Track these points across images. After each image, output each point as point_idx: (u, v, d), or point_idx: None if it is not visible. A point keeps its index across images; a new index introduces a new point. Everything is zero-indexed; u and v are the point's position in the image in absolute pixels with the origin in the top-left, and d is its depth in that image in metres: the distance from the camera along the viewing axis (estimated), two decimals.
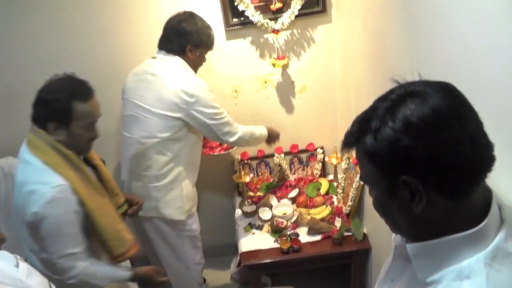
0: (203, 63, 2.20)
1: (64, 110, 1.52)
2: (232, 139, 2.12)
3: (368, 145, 0.81)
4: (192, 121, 2.05)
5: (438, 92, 0.78)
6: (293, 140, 2.78)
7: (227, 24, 2.44)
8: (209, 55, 2.28)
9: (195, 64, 2.15)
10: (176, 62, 2.07)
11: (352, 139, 0.85)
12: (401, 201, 0.82)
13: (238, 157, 2.77)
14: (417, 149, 0.76)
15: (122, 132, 2.18)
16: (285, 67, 2.58)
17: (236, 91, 2.66)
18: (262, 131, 2.32)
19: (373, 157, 0.82)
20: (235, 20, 2.43)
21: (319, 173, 2.82)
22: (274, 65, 2.48)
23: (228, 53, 2.53)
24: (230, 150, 2.57)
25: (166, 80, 2.03)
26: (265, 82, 2.63)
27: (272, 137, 2.41)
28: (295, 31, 2.52)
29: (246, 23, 2.43)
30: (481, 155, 0.77)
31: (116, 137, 2.62)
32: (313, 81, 2.65)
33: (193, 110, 2.01)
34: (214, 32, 2.24)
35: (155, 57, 2.12)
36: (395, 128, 0.78)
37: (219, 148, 2.55)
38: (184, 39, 2.05)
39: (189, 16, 2.08)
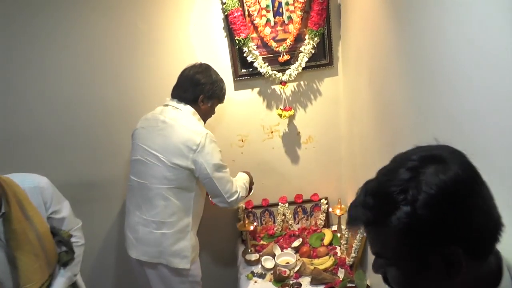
0: (212, 115, 2.21)
1: None
2: (231, 199, 2.08)
3: (402, 221, 0.73)
4: (197, 172, 2.02)
5: (453, 155, 0.76)
6: (298, 190, 2.76)
7: (236, 74, 2.46)
8: (218, 107, 2.28)
9: (205, 115, 2.15)
10: (187, 111, 2.07)
11: (374, 217, 0.76)
12: (433, 273, 0.76)
13: (243, 205, 2.74)
14: (455, 216, 0.71)
15: (130, 177, 2.15)
16: (291, 118, 2.59)
17: (242, 140, 2.65)
18: (245, 179, 2.28)
19: (408, 233, 0.73)
20: (243, 70, 2.45)
21: (323, 223, 2.79)
22: (280, 115, 2.49)
23: (236, 102, 2.54)
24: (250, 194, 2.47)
25: (176, 128, 2.02)
26: (272, 132, 2.64)
27: (251, 180, 2.39)
28: (302, 82, 2.54)
29: (254, 74, 2.46)
30: (497, 212, 0.77)
31: (122, 181, 2.60)
32: (319, 132, 2.65)
33: (198, 159, 1.99)
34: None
35: (167, 105, 2.12)
36: (433, 195, 0.72)
37: None
38: (198, 89, 2.07)
39: (205, 69, 2.11)
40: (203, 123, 2.14)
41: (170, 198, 2.04)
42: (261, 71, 2.40)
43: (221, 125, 2.56)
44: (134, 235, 2.12)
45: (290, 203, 2.77)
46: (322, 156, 2.71)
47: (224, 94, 2.19)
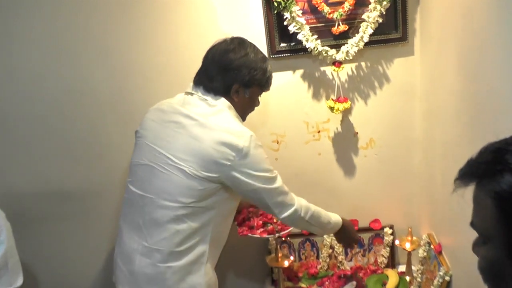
0: (255, 108, 2.21)
1: None
2: (284, 214, 2.09)
3: (505, 184, 0.86)
4: (234, 185, 2.02)
5: None
6: (352, 214, 2.73)
7: (272, 50, 2.46)
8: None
9: (244, 109, 2.15)
10: (221, 105, 2.06)
11: (481, 171, 0.90)
12: None
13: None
14: None
15: (128, 187, 2.14)
16: (346, 112, 2.59)
17: (278, 142, 2.67)
18: (334, 218, 2.29)
19: (507, 202, 0.86)
20: (282, 45, 2.46)
21: (385, 261, 2.79)
22: (332, 109, 2.47)
23: (271, 89, 2.40)
24: (278, 235, 2.46)
25: (208, 127, 2.01)
26: (318, 131, 2.66)
27: (348, 234, 2.37)
28: (363, 63, 2.53)
29: (298, 50, 2.45)
30: None
31: (111, 192, 2.66)
32: (384, 134, 2.65)
33: (238, 172, 1.99)
34: None
35: (191, 93, 2.10)
36: None
37: (261, 230, 2.49)
38: (230, 76, 2.06)
39: (238, 45, 2.08)
40: (241, 120, 2.14)
41: (185, 220, 2.03)
42: (307, 46, 2.39)
43: (248, 119, 2.41)
44: (128, 267, 2.11)
45: None
46: (387, 167, 2.71)
47: (268, 79, 2.16)
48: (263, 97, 2.46)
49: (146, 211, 2.05)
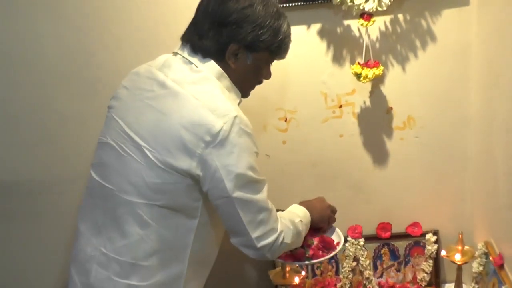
0: (262, 81, 2.14)
1: None
2: (263, 242, 1.97)
3: None
4: (206, 183, 1.92)
5: None
6: (383, 215, 2.76)
7: None
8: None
9: (243, 79, 2.05)
10: (209, 70, 1.98)
11: None
12: None
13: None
14: None
15: (90, 173, 2.10)
16: (377, 81, 2.57)
17: (286, 120, 2.65)
18: (302, 216, 2.20)
19: None
20: None
21: (427, 278, 2.78)
22: (358, 76, 2.43)
23: None
24: (309, 263, 2.32)
25: (181, 98, 1.92)
26: (340, 106, 2.63)
27: (318, 218, 2.28)
28: (400, 16, 2.49)
29: None
30: None
31: (74, 186, 2.67)
32: (427, 110, 2.63)
33: (210, 160, 1.87)
34: None
35: (176, 53, 2.05)
36: None
37: (288, 252, 2.28)
38: (226, 32, 1.96)
39: None
40: (235, 96, 2.04)
41: (152, 224, 1.95)
42: None
43: None
44: (82, 279, 2.06)
45: (368, 239, 2.77)
46: (430, 154, 2.69)
47: (282, 42, 2.04)
48: None
49: (108, 206, 2.01)
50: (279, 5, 2.02)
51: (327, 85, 2.59)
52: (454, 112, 2.63)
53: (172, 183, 1.92)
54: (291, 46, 2.28)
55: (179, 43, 2.05)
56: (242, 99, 2.08)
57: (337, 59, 2.56)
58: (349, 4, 2.34)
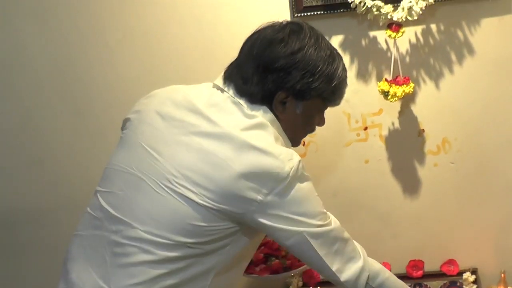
0: (312, 130, 2.09)
1: None
2: (347, 274, 1.93)
3: None
4: (265, 232, 1.94)
5: None
6: (415, 252, 2.66)
7: (298, 6, 2.40)
8: None
9: (292, 129, 1.98)
10: (262, 117, 1.93)
11: None
12: None
13: (298, 280, 2.66)
14: None
15: (98, 199, 2.02)
16: (408, 100, 2.52)
17: (304, 143, 2.56)
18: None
19: None
20: None
21: None
22: (386, 94, 2.37)
23: None
24: (287, 274, 2.37)
25: (237, 145, 1.85)
26: (365, 128, 2.57)
27: None
28: (433, 27, 2.45)
29: (336, 6, 2.40)
30: None
31: (60, 217, 2.64)
32: (464, 132, 2.55)
33: (271, 208, 1.83)
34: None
35: (222, 90, 1.99)
36: None
37: (262, 266, 2.36)
38: (272, 80, 1.88)
39: (292, 33, 1.93)
40: (284, 143, 1.99)
41: (171, 268, 1.90)
42: (349, 0, 2.31)
43: None
44: None
45: (399, 277, 2.50)
46: (468, 182, 2.60)
47: (336, 89, 1.98)
48: None
49: (116, 241, 1.92)
50: (333, 47, 1.98)
51: (350, 104, 2.52)
52: (495, 134, 2.54)
53: (213, 227, 1.87)
54: None
55: (218, 74, 2.00)
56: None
57: (362, 74, 2.50)
58: (376, 13, 2.30)
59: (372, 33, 2.43)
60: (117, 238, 1.91)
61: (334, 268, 1.87)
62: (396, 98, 2.33)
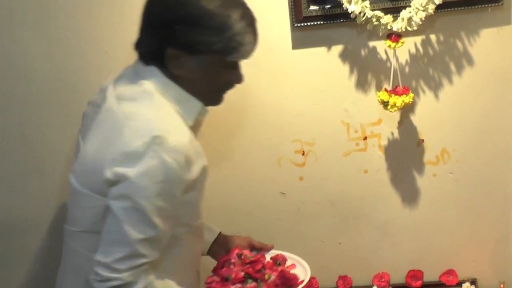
0: (232, 85, 1.98)
1: None
2: (102, 272, 1.82)
3: None
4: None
5: None
6: (414, 262, 2.67)
7: (297, 16, 2.39)
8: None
9: (197, 88, 1.93)
10: (150, 83, 1.90)
11: None
12: None
13: None
14: None
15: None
16: (407, 110, 2.52)
17: (303, 153, 2.58)
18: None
19: None
20: (313, 8, 2.39)
21: None
22: (385, 104, 2.37)
23: (294, 73, 2.49)
24: None
25: (115, 117, 1.90)
26: (364, 138, 2.57)
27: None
28: (432, 37, 2.46)
29: (335, 16, 2.38)
30: None
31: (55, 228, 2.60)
32: (464, 142, 2.57)
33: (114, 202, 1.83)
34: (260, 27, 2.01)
35: (133, 66, 2.01)
36: None
37: (238, 286, 2.25)
38: (158, 35, 1.86)
39: None
40: (192, 107, 1.96)
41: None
42: (349, 11, 2.29)
43: (258, 118, 2.55)
44: None
45: (398, 287, 2.70)
46: (468, 192, 2.61)
47: (233, 42, 1.88)
48: (285, 83, 2.51)
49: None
50: None
51: (349, 114, 2.53)
52: (494, 144, 2.55)
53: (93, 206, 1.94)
54: (309, 68, 2.46)
55: None
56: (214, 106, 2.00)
57: (361, 84, 2.50)
58: (375, 23, 2.31)
59: (371, 43, 2.44)
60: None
61: (98, 256, 1.85)
62: (396, 108, 2.33)
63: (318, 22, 2.37)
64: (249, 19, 1.86)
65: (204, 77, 1.89)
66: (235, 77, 1.95)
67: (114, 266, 1.79)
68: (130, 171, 1.76)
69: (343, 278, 2.65)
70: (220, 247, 2.24)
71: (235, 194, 2.59)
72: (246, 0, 1.92)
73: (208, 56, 1.85)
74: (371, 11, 2.26)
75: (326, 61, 2.46)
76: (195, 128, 1.92)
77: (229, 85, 1.97)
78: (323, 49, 2.44)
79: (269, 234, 2.53)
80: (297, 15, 2.37)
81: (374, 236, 2.63)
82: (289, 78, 2.47)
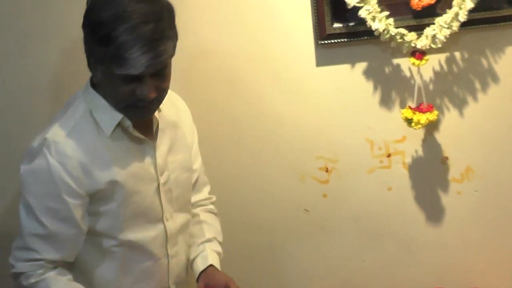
0: (134, 100, 1.88)
1: None
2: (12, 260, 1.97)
3: None
4: None
5: None
6: (437, 280, 2.64)
7: (321, 33, 2.40)
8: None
9: (108, 98, 1.93)
10: (82, 90, 1.98)
11: None
12: None
13: None
14: None
15: None
16: (432, 127, 2.52)
17: (327, 170, 2.57)
18: None
19: None
20: (336, 26, 2.40)
21: None
22: (409, 121, 2.39)
23: (318, 90, 2.50)
24: None
25: None
26: (388, 155, 2.56)
27: None
28: (457, 55, 2.47)
29: (359, 33, 2.40)
30: None
31: None
32: (488, 160, 2.56)
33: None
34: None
35: None
36: None
37: None
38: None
39: None
40: (107, 117, 1.94)
41: None
42: (373, 28, 2.31)
43: (282, 134, 2.54)
44: None
45: None
46: (492, 210, 2.60)
47: (118, 54, 1.81)
48: (308, 101, 2.51)
49: None
50: (126, 8, 1.81)
51: (373, 131, 2.53)
52: None
53: None
54: (332, 86, 2.47)
55: None
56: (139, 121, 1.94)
57: (385, 102, 2.51)
58: (399, 40, 2.31)
59: (395, 61, 2.45)
60: None
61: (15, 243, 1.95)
62: (420, 126, 2.34)
63: (342, 40, 2.39)
64: (141, 33, 1.79)
65: (108, 86, 1.89)
66: (139, 91, 1.86)
67: (14, 254, 1.92)
68: (22, 168, 1.85)
69: None
70: (203, 279, 2.22)
71: (257, 210, 2.58)
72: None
73: (103, 67, 1.84)
74: (395, 29, 2.28)
75: (349, 78, 2.47)
76: (132, 137, 1.93)
77: (133, 98, 1.88)
78: (346, 66, 2.46)
79: (292, 251, 2.56)
80: (321, 33, 2.38)
81: (398, 253, 2.61)
82: (312, 95, 2.47)
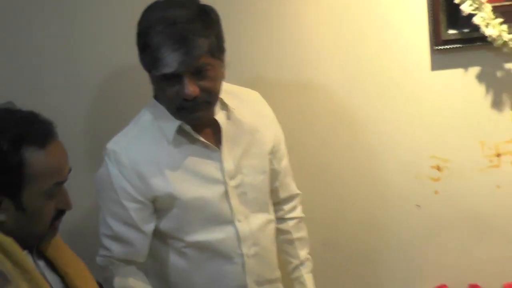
0: (181, 102, 1.93)
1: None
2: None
3: None
4: None
5: None
6: None
7: (437, 39, 2.42)
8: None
9: (164, 105, 2.01)
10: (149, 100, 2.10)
11: None
12: None
13: None
14: None
15: None
16: None
17: (439, 168, 2.58)
18: None
19: None
20: (451, 32, 2.42)
21: None
22: None
23: (433, 93, 2.50)
24: None
25: None
26: (498, 155, 2.56)
27: None
28: None
29: (473, 39, 2.41)
30: None
31: None
32: None
33: None
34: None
35: None
36: None
37: None
38: None
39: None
40: (166, 122, 2.00)
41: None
42: (487, 34, 2.32)
43: (396, 135, 2.55)
44: None
45: None
46: None
47: (155, 54, 1.88)
48: (423, 103, 2.52)
49: None
50: (156, 15, 1.89)
51: (486, 133, 2.54)
52: None
53: None
54: (446, 89, 2.49)
55: None
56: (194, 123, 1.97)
57: (497, 104, 2.51)
58: None
59: (507, 65, 2.44)
60: None
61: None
62: None
63: (457, 45, 2.40)
64: (171, 33, 1.85)
65: (160, 93, 1.97)
66: (181, 91, 1.90)
67: (100, 249, 2.04)
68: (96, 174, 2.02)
69: (473, 286, 2.60)
70: None
71: (372, 208, 2.59)
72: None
73: (150, 75, 1.93)
74: (508, 35, 2.29)
75: (463, 82, 2.48)
76: (190, 139, 1.97)
77: (177, 99, 1.92)
78: (460, 71, 2.47)
79: (405, 246, 2.59)
80: (437, 38, 2.40)
81: (505, 247, 2.60)
82: (427, 98, 2.49)
